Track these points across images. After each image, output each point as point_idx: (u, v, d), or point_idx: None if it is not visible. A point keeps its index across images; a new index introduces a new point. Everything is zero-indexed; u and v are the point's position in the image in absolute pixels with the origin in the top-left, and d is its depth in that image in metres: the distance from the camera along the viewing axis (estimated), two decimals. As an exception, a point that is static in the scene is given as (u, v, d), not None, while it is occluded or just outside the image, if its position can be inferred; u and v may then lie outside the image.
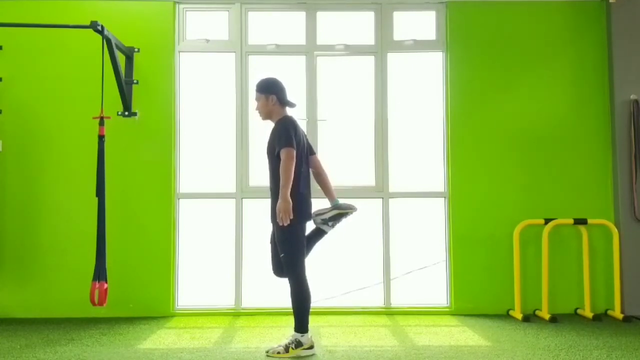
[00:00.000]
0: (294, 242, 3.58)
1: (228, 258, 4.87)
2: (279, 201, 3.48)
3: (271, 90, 3.71)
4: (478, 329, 4.25)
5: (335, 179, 4.94)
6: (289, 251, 3.57)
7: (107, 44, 4.27)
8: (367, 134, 5.02)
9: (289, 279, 3.59)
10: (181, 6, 5.00)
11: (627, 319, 4.51)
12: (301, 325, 3.54)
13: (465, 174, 4.88)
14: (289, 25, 5.07)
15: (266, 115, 3.75)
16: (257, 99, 3.74)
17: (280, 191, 3.48)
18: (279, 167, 3.54)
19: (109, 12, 4.83)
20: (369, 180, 4.97)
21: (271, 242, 3.72)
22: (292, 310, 3.57)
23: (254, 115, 4.91)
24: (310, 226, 3.74)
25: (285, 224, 3.48)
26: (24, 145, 4.80)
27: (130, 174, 4.79)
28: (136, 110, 4.80)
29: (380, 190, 4.94)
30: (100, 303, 3.97)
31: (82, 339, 3.97)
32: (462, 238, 4.84)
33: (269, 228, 3.77)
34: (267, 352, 3.57)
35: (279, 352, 3.52)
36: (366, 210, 4.96)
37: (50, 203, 4.77)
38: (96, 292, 3.94)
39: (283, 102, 3.72)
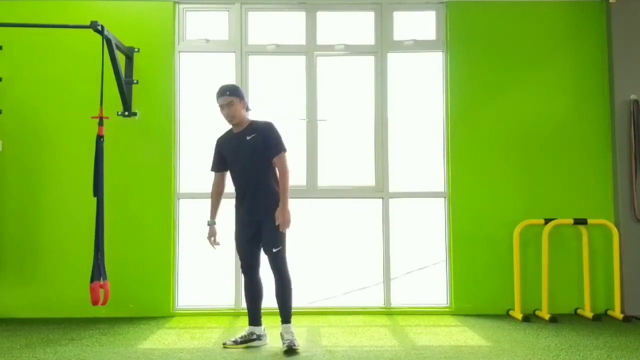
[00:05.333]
0: (285, 235, 3.74)
1: (228, 258, 4.87)
2: (287, 210, 3.67)
3: (243, 95, 3.85)
4: (478, 329, 4.25)
5: (335, 179, 4.98)
6: (283, 244, 3.72)
7: (107, 44, 4.27)
8: (367, 134, 5.02)
9: (280, 272, 3.71)
10: (181, 6, 5.00)
11: (627, 319, 4.51)
12: (290, 314, 3.73)
13: (465, 174, 4.88)
14: (289, 25, 5.07)
15: (240, 119, 3.80)
16: (231, 104, 3.74)
17: (286, 200, 3.67)
18: (269, 167, 3.74)
19: (109, 12, 4.83)
20: (369, 180, 4.97)
21: (249, 242, 3.76)
22: (280, 304, 3.73)
23: (253, 115, 4.94)
24: None
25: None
26: (24, 145, 4.80)
27: (130, 174, 4.79)
28: (136, 110, 4.80)
29: (380, 190, 4.94)
30: (104, 302, 3.97)
31: (82, 339, 3.97)
32: (462, 238, 4.84)
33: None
34: (293, 348, 3.59)
35: (296, 347, 3.59)
36: (366, 210, 4.97)
37: (50, 203, 4.77)
38: (101, 291, 3.93)
39: (248, 107, 3.90)
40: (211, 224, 3.92)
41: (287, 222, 3.68)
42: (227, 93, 3.75)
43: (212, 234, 3.90)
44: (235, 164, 3.81)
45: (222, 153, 3.90)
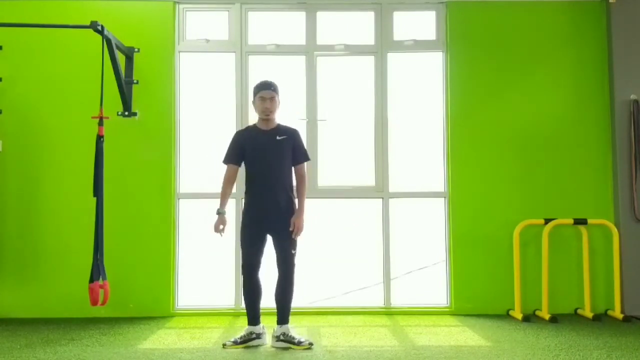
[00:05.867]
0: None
1: (228, 258, 4.87)
2: (303, 218, 3.77)
3: None
4: (478, 329, 4.25)
5: (335, 179, 4.98)
6: (297, 247, 3.81)
7: (107, 44, 4.27)
8: (367, 134, 5.02)
9: (290, 273, 3.78)
10: (181, 6, 5.00)
11: (627, 319, 4.51)
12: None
13: (465, 174, 4.88)
14: (289, 25, 5.07)
15: (273, 116, 3.85)
16: (273, 99, 3.80)
17: (304, 208, 3.80)
18: (291, 171, 3.83)
19: (109, 12, 4.83)
20: (369, 180, 4.97)
21: (259, 241, 3.78)
22: (284, 304, 3.80)
23: (253, 115, 4.94)
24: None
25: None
26: (24, 145, 4.80)
27: (130, 174, 4.79)
28: (136, 110, 4.80)
29: (380, 190, 4.94)
30: (103, 303, 3.97)
31: (82, 339, 3.97)
32: (462, 238, 4.84)
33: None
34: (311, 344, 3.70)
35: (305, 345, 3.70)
36: (366, 210, 4.97)
37: (50, 203, 4.77)
38: (101, 291, 3.93)
39: None
40: (222, 212, 3.82)
41: (301, 230, 3.76)
42: (272, 88, 3.81)
43: (222, 223, 3.81)
44: (260, 161, 3.78)
45: (242, 147, 3.84)
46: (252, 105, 3.91)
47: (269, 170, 3.76)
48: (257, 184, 3.78)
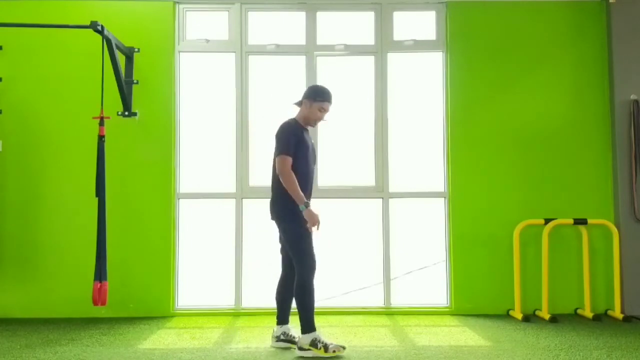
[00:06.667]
0: None
1: (228, 258, 4.88)
2: None
3: None
4: (478, 329, 4.25)
5: (335, 179, 4.99)
6: None
7: (107, 44, 4.27)
8: (367, 134, 5.02)
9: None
10: (181, 6, 5.00)
11: (627, 319, 4.50)
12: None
13: (465, 174, 4.88)
14: (289, 25, 5.07)
15: None
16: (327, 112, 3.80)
17: None
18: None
19: (109, 12, 4.83)
20: (369, 180, 4.97)
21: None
22: (290, 304, 3.81)
23: (254, 115, 4.96)
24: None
25: None
26: (24, 145, 4.80)
27: (130, 174, 4.79)
28: (136, 110, 4.80)
29: (380, 190, 4.94)
30: (102, 303, 3.97)
31: (82, 339, 3.97)
32: (462, 238, 4.84)
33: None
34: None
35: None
36: (366, 210, 4.97)
37: (50, 203, 4.77)
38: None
39: None
40: (308, 205, 3.53)
41: None
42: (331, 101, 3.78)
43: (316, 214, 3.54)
44: (309, 161, 3.70)
45: (296, 140, 3.61)
46: (305, 104, 3.71)
47: (313, 173, 3.77)
48: (309, 184, 3.69)
